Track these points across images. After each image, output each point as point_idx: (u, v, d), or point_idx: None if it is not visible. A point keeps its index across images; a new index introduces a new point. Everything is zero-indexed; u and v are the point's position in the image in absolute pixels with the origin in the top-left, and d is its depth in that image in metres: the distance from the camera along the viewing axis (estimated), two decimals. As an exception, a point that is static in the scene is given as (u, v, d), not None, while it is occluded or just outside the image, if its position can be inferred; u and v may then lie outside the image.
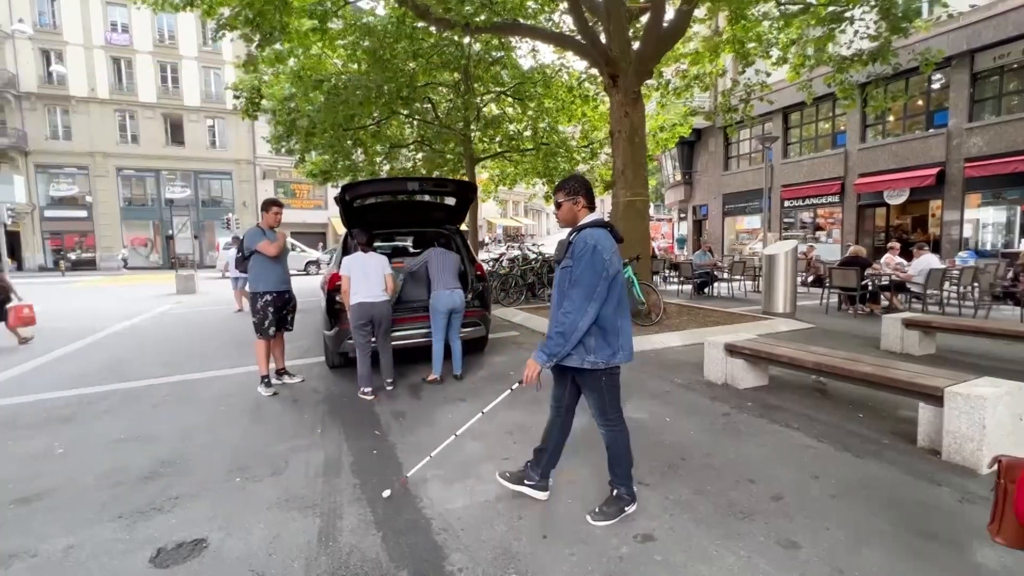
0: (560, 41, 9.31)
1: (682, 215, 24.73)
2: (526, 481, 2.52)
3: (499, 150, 15.52)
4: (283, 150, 13.71)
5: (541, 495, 2.50)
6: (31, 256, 25.74)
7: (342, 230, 24.17)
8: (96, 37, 26.08)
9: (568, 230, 2.33)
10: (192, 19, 27.64)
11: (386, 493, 2.56)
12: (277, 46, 10.83)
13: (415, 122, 14.78)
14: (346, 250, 4.82)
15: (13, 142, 24.38)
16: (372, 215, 4.94)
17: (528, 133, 15.10)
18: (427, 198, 5.04)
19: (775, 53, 10.09)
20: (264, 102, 12.10)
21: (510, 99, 14.50)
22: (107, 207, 26.95)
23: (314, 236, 29.74)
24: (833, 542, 2.13)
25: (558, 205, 2.33)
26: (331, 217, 32.19)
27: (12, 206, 17.22)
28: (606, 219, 2.35)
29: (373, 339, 4.25)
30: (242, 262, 4.47)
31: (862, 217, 16.35)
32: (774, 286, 7.72)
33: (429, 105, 14.00)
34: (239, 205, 29.13)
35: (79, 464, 3.10)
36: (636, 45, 8.25)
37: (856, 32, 8.12)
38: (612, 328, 2.19)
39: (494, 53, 13.18)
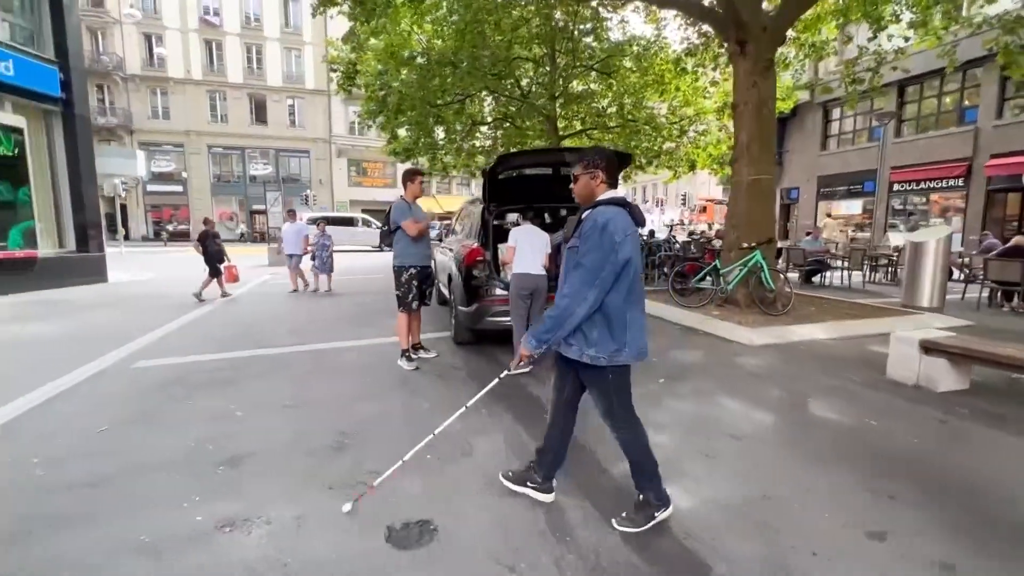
0: (682, 5, 8.67)
1: (767, 199, 23.10)
2: (529, 483, 2.32)
3: (581, 127, 15.03)
4: (374, 126, 13.91)
5: (546, 497, 2.29)
6: (135, 227, 28.07)
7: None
8: (191, 21, 27.57)
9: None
10: (276, 1, 28.67)
11: (347, 507, 2.20)
12: (371, 24, 10.86)
13: (499, 98, 14.53)
14: (484, 224, 4.67)
15: (121, 121, 26.47)
16: (512, 188, 4.74)
17: (613, 110, 14.50)
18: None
19: (907, 16, 8.94)
20: (358, 78, 12.26)
21: (595, 73, 13.87)
22: (199, 182, 28.84)
23: (384, 214, 30.42)
24: None
25: (575, 179, 2.09)
26: (400, 195, 32.81)
27: (125, 181, 18.64)
28: (628, 198, 2.07)
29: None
30: (387, 236, 4.43)
31: (991, 203, 14.51)
32: (919, 277, 6.89)
33: (513, 80, 13.67)
34: (315, 182, 30.26)
35: (263, 429, 3.14)
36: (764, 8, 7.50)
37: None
38: (620, 320, 1.93)
39: (581, 26, 12.61)
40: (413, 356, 4.52)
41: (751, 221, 6.99)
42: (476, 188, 35.13)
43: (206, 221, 8.54)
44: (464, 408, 2.41)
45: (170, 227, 28.30)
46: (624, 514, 2.13)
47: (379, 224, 22.54)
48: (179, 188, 28.67)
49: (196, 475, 2.55)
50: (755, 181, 6.99)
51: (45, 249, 9.33)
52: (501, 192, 4.70)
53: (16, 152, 8.55)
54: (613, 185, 2.06)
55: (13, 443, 2.94)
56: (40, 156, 9.45)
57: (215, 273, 8.20)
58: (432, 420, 3.28)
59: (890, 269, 10.78)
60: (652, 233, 12.58)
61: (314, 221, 11.96)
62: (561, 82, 13.02)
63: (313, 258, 9.33)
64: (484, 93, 13.80)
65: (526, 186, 4.77)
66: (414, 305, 4.39)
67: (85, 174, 10.09)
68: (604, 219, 1.89)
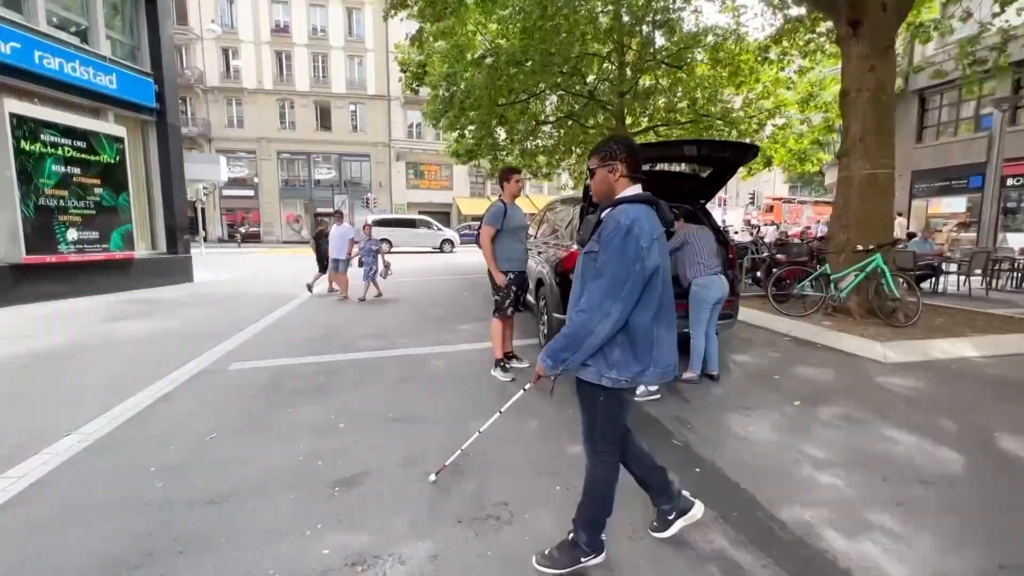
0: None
1: (849, 197, 21.33)
2: (676, 517, 2.04)
3: (649, 124, 14.43)
4: (437, 127, 14.01)
5: (695, 512, 2.04)
6: (212, 229, 29.91)
7: (467, 209, 25.04)
8: (263, 34, 29.08)
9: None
10: (340, 12, 29.74)
11: (432, 478, 2.49)
12: (441, 24, 10.86)
13: (564, 96, 14.20)
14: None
15: (201, 130, 28.31)
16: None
17: (684, 105, 13.82)
18: (681, 167, 4.37)
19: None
20: (426, 78, 12.36)
21: (665, 66, 13.22)
22: (269, 187, 30.36)
23: (440, 215, 30.78)
24: None
25: (591, 173, 1.81)
26: (455, 197, 33.22)
27: (206, 186, 19.78)
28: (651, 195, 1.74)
29: None
30: (479, 239, 4.19)
31: None
32: (1077, 286, 5.90)
33: (579, 77, 13.29)
34: (375, 185, 31.10)
35: (370, 444, 2.95)
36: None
37: None
38: (646, 339, 1.66)
39: (653, 18, 12.02)
40: (508, 366, 4.25)
41: (865, 221, 6.27)
42: (530, 189, 34.91)
43: (320, 222, 9.15)
44: (499, 413, 2.49)
45: (242, 229, 29.96)
46: (546, 551, 1.88)
47: (439, 226, 22.77)
48: (251, 192, 30.29)
49: (312, 496, 2.38)
50: (871, 176, 6.27)
51: (140, 251, 9.89)
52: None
53: (118, 160, 9.10)
54: (635, 179, 1.75)
55: (130, 448, 2.90)
56: (137, 163, 10.05)
57: (323, 270, 8.94)
58: (546, 440, 3.00)
59: (1015, 275, 9.52)
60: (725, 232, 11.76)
61: (376, 223, 12.07)
62: (629, 74, 12.52)
63: (360, 264, 8.49)
64: (550, 91, 13.52)
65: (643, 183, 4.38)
66: (510, 311, 4.13)
67: (176, 180, 10.65)
68: (628, 220, 1.60)
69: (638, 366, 1.67)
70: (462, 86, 12.29)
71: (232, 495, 2.39)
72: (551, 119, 15.21)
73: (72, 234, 8.34)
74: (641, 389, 3.58)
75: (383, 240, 19.99)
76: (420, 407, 3.53)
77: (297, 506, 2.29)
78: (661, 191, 4.67)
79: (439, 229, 22.41)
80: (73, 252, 8.35)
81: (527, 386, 2.19)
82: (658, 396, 3.57)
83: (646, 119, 14.50)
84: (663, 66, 13.04)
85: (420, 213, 26.99)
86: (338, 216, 9.07)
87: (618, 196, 1.72)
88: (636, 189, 1.73)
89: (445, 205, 32.92)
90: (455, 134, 13.96)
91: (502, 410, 2.47)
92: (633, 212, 1.62)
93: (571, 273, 4.17)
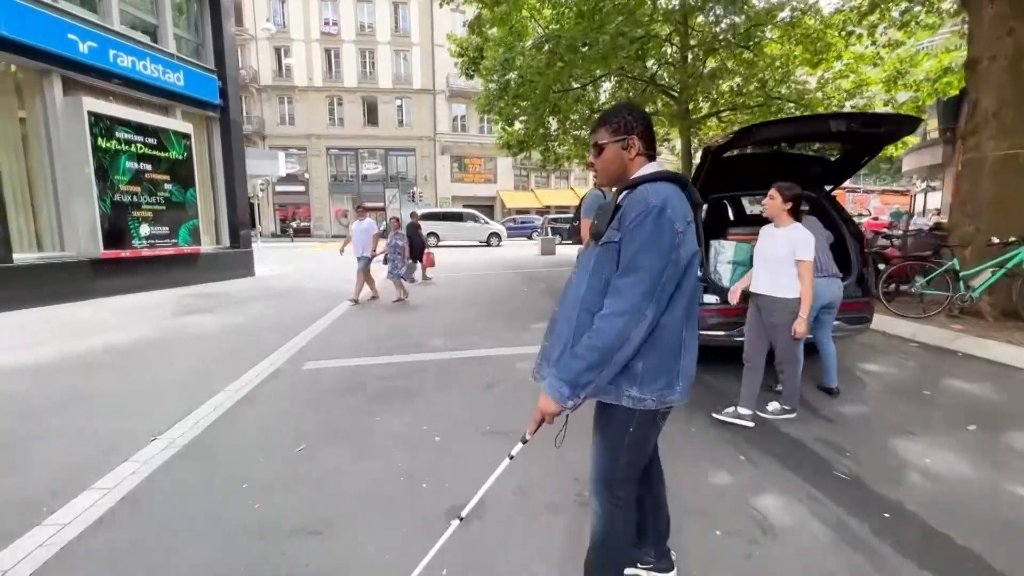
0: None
1: (931, 185, 19.58)
2: (639, 564, 1.77)
3: (711, 110, 13.61)
4: (488, 118, 13.73)
5: None
6: (266, 224, 30.92)
7: (511, 203, 24.70)
8: (313, 32, 29.63)
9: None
10: (387, 7, 29.92)
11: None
12: (498, 8, 10.52)
13: (622, 83, 13.57)
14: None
15: (256, 128, 29.21)
16: (731, 172, 3.85)
17: (752, 87, 12.89)
18: (797, 149, 3.81)
19: None
20: (484, 63, 12.14)
21: (735, 46, 12.33)
22: (318, 182, 31.05)
23: (484, 208, 30.59)
24: None
25: (599, 149, 1.48)
26: (499, 190, 32.98)
27: (262, 181, 20.31)
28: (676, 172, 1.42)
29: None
30: (575, 232, 3.79)
31: None
32: None
33: (640, 62, 12.62)
34: (421, 179, 31.24)
35: (475, 464, 2.61)
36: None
37: None
38: (675, 345, 1.36)
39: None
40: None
41: (1000, 209, 5.44)
42: (575, 180, 34.22)
43: (412, 215, 9.94)
44: (458, 520, 1.55)
45: (294, 224, 30.85)
46: None
47: (486, 219, 22.55)
48: (301, 188, 31.08)
49: (427, 529, 2.05)
50: (1009, 157, 5.41)
51: (205, 245, 10.08)
52: (720, 176, 3.79)
53: (185, 156, 9.25)
54: (652, 157, 1.46)
55: (218, 458, 2.70)
56: (202, 159, 10.23)
57: (417, 258, 9.64)
58: (682, 465, 2.53)
59: None
60: None
61: (424, 217, 11.96)
62: (691, 57, 11.78)
63: (386, 261, 7.92)
64: (609, 78, 12.95)
65: (751, 168, 3.83)
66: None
67: (238, 175, 10.80)
68: (659, 200, 1.29)
69: (665, 378, 1.37)
70: (515, 75, 11.92)
71: (335, 523, 2.10)
72: (607, 107, 14.61)
73: (144, 229, 8.52)
74: (774, 406, 3.09)
75: (431, 234, 20.04)
76: (515, 419, 3.17)
77: (411, 540, 1.97)
78: (784, 174, 4.11)
79: (486, 223, 22.17)
80: (145, 247, 8.55)
81: (513, 452, 1.54)
82: (793, 414, 3.07)
83: (708, 104, 13.69)
84: (731, 46, 12.18)
85: (464, 206, 26.88)
86: (361, 211, 8.26)
87: (637, 175, 1.41)
88: (654, 167, 1.43)
89: (489, 198, 32.72)
90: (503, 125, 13.64)
91: (464, 519, 1.57)
92: (663, 191, 1.32)
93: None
